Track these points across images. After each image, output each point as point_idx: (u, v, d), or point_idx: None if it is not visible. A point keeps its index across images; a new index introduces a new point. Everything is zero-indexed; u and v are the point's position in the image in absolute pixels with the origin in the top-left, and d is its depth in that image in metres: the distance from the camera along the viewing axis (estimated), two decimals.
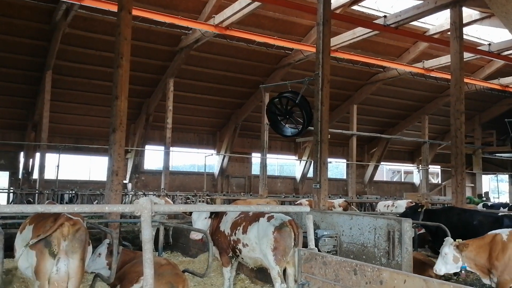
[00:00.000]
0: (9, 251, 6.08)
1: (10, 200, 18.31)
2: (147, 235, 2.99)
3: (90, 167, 27.90)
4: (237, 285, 7.73)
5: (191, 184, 28.92)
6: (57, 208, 3.17)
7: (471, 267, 6.14)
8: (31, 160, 24.45)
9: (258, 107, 25.83)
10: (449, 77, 15.10)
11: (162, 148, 24.47)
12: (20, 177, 24.82)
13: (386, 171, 41.02)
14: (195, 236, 6.94)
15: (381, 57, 24.46)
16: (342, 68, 24.74)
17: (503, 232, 6.24)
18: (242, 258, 7.03)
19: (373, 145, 34.92)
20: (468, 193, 29.09)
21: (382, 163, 35.93)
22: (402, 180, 41.20)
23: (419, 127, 33.03)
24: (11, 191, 19.92)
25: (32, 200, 18.01)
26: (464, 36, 14.08)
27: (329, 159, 11.38)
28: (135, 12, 14.59)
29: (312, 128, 11.54)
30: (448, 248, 6.09)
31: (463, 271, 6.52)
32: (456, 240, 6.19)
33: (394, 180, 41.23)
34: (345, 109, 29.81)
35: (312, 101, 11.84)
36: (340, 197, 22.30)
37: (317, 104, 10.71)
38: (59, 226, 4.99)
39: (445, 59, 22.77)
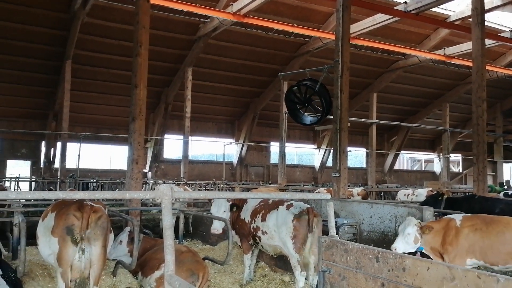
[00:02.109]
0: (31, 239, 6.22)
1: (32, 188, 18.67)
2: (167, 221, 2.99)
3: (110, 156, 28.25)
4: (257, 273, 7.74)
5: (210, 173, 29.06)
6: (78, 195, 3.19)
7: (426, 249, 6.02)
8: (52, 149, 24.85)
9: (277, 96, 25.71)
10: (470, 64, 14.80)
11: (181, 137, 24.59)
12: (41, 166, 25.26)
13: (406, 159, 40.61)
14: (215, 231, 6.94)
15: (402, 44, 24.08)
16: (362, 56, 24.42)
17: (457, 218, 6.13)
18: (262, 246, 7.04)
19: (393, 133, 34.54)
20: (489, 181, 28.56)
21: (402, 151, 35.57)
22: (423, 169, 40.74)
23: (440, 115, 32.54)
24: (33, 179, 20.32)
25: (53, 189, 18.32)
26: (486, 23, 13.72)
27: (348, 148, 11.28)
28: (153, 1, 14.62)
29: (332, 117, 11.43)
30: (412, 228, 5.92)
31: (418, 252, 6.40)
32: (419, 221, 6.06)
33: (414, 169, 40.80)
34: (365, 97, 29.49)
35: (331, 89, 11.73)
36: (360, 186, 22.15)
37: (336, 91, 10.59)
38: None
39: (467, 46, 22.36)
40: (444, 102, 31.71)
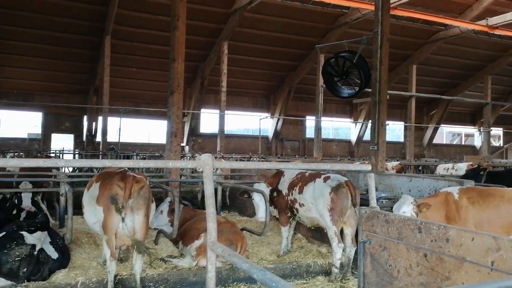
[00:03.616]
0: (76, 209, 6.49)
1: None
2: (209, 190, 3.05)
3: (149, 130, 28.84)
4: (294, 244, 7.81)
5: (246, 147, 29.27)
6: (123, 163, 3.29)
7: None
8: (94, 123, 25.61)
9: (313, 69, 25.40)
10: None
11: (217, 111, 24.77)
12: (84, 139, 26.11)
13: (446, 133, 39.63)
14: (262, 219, 6.98)
15: (442, 14, 23.17)
16: (401, 27, 23.69)
17: (454, 191, 5.81)
18: (299, 218, 7.08)
19: (433, 107, 33.66)
20: None
21: (441, 125, 34.68)
22: (462, 143, 39.69)
23: (481, 88, 31.43)
24: (77, 152, 21.02)
25: None
26: None
27: (386, 122, 11.07)
28: None
29: (370, 89, 11.21)
30: (407, 207, 5.58)
31: None
32: (415, 199, 5.71)
33: (454, 143, 39.78)
34: (404, 70, 28.74)
35: (370, 61, 11.46)
36: (397, 160, 21.82)
37: (375, 63, 10.34)
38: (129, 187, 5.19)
39: (511, 16, 21.30)
40: (485, 75, 30.56)
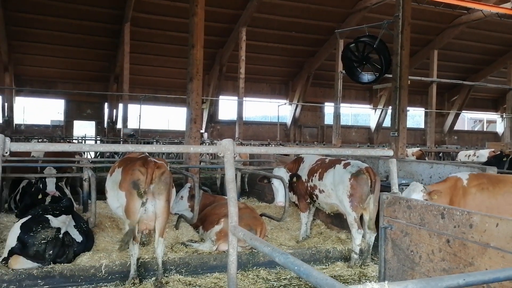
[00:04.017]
0: (99, 194, 6.62)
1: None
2: (230, 175, 3.08)
3: (168, 117, 29.05)
4: (313, 230, 7.82)
5: (264, 133, 29.27)
6: (146, 148, 3.33)
7: None
8: (114, 110, 25.90)
9: (332, 55, 25.16)
10: None
11: (236, 98, 24.77)
12: (105, 126, 26.46)
13: (468, 120, 38.98)
14: (281, 204, 7.00)
15: None
16: (423, 11, 23.23)
17: (463, 177, 5.63)
18: (319, 204, 7.08)
19: (454, 92, 33.07)
20: None
21: (463, 111, 34.10)
22: (484, 130, 38.99)
23: (504, 73, 30.71)
24: (98, 139, 21.33)
25: None
26: None
27: (407, 108, 10.94)
28: None
29: (390, 75, 11.09)
30: (418, 195, 5.38)
31: None
32: (424, 186, 5.53)
33: (476, 129, 39.12)
34: (425, 55, 28.25)
35: (390, 46, 11.31)
36: (418, 147, 21.59)
37: (396, 48, 10.21)
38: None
39: None
40: (509, 60, 29.86)
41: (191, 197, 7.37)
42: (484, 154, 16.22)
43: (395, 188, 3.50)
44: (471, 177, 5.67)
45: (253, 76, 27.63)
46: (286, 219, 7.46)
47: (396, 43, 10.26)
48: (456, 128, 34.90)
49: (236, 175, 9.27)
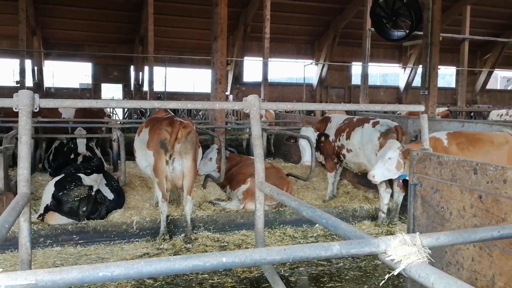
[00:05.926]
0: (128, 155, 6.76)
1: (125, 110, 19.82)
2: (256, 131, 3.05)
3: (193, 79, 29.04)
4: (340, 190, 7.83)
5: (290, 95, 29.01)
6: (171, 104, 3.33)
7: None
8: (140, 73, 26.01)
9: (360, 12, 24.37)
10: None
11: (261, 59, 24.46)
12: (132, 89, 26.68)
13: (500, 78, 37.69)
14: (308, 163, 6.95)
15: None
16: None
17: (442, 136, 5.45)
18: (346, 163, 7.04)
19: (487, 50, 31.82)
20: None
21: (496, 69, 32.88)
22: None
23: None
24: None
25: (144, 111, 19.35)
26: None
27: (438, 66, 10.59)
28: None
29: (421, 32, 10.70)
30: (394, 152, 5.21)
31: (400, 181, 5.81)
32: (402, 145, 5.28)
33: (509, 88, 37.83)
34: (457, 11, 27.06)
35: (421, 1, 10.86)
36: (448, 107, 21.08)
37: (427, 3, 9.81)
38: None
39: None
40: None
41: (219, 159, 7.44)
42: None
43: (426, 144, 3.43)
44: (449, 136, 5.55)
45: (278, 36, 27.12)
46: (312, 178, 7.46)
47: None
48: (488, 87, 33.79)
49: (262, 135, 9.30)
